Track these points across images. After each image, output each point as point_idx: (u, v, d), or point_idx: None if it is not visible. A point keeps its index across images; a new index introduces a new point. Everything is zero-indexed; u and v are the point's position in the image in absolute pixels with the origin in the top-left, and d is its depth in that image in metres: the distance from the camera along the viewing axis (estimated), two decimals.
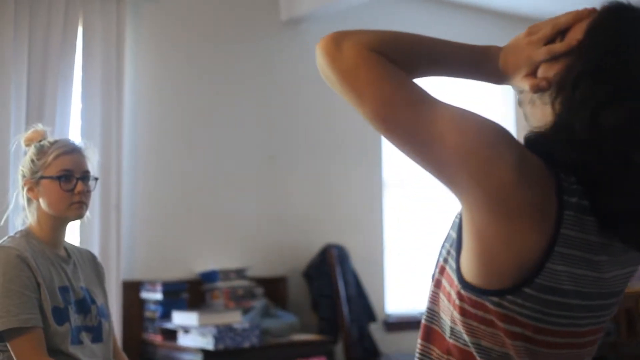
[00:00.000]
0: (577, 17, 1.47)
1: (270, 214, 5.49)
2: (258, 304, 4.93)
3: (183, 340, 4.51)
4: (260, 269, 5.31)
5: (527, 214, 1.34)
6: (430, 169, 1.40)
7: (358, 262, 5.60)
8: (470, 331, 1.42)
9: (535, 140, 1.43)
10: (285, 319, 4.90)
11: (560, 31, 1.48)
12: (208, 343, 4.34)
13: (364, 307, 5.53)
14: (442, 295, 1.48)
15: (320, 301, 5.34)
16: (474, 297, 1.39)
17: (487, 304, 1.38)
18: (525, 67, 1.50)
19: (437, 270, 1.52)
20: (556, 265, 1.36)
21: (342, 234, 5.69)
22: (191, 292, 4.92)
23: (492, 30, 6.73)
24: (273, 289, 5.31)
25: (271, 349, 4.64)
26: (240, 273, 5.08)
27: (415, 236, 6.27)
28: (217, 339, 4.33)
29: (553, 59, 1.46)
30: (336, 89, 1.46)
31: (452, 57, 1.53)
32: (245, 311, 4.85)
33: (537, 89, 1.47)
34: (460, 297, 1.41)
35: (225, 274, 5.00)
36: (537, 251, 1.35)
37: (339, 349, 5.27)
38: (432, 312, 1.51)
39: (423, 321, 1.53)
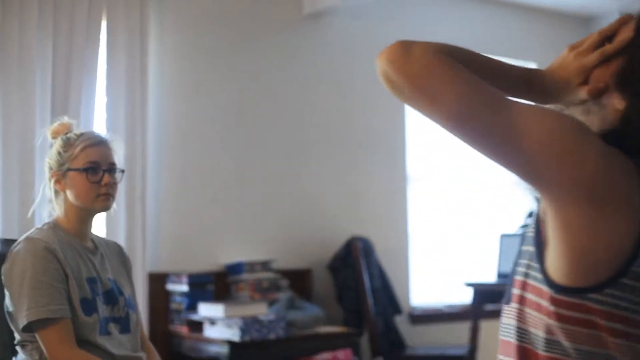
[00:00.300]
0: (621, 21, 1.50)
1: (296, 207, 5.50)
2: (283, 296, 4.94)
3: (209, 331, 4.52)
4: (286, 261, 5.31)
5: (618, 201, 1.35)
6: (514, 166, 1.40)
7: (383, 255, 5.60)
8: (571, 336, 1.40)
9: (608, 136, 1.43)
10: (310, 311, 4.90)
11: (606, 37, 1.51)
12: (234, 334, 4.35)
13: (389, 300, 5.53)
14: (528, 310, 1.47)
15: (345, 294, 5.34)
16: (570, 299, 1.38)
17: (587, 303, 1.37)
18: (577, 77, 1.53)
19: (516, 289, 1.50)
20: None
21: (367, 227, 5.69)
22: (216, 284, 4.93)
23: (522, 24, 6.73)
24: (298, 281, 5.32)
25: (297, 341, 4.64)
26: (265, 265, 5.09)
27: (439, 229, 6.26)
28: (243, 330, 4.34)
29: (606, 60, 1.49)
30: (402, 94, 1.45)
31: (507, 74, 1.57)
32: (271, 303, 4.86)
33: (595, 93, 1.49)
34: (554, 302, 1.40)
35: (251, 266, 5.02)
36: (630, 239, 1.35)
37: (364, 341, 5.27)
38: (521, 330, 1.49)
39: (514, 341, 1.49)
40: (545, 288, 1.41)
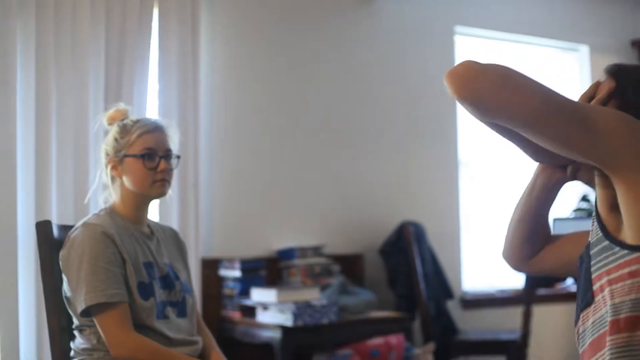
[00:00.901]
0: (596, 85, 1.86)
1: (347, 192, 5.49)
2: (335, 281, 4.94)
3: (262, 316, 4.54)
4: (337, 246, 5.32)
5: None
6: (592, 151, 1.64)
7: (434, 239, 5.58)
8: None
9: None
10: (362, 295, 4.90)
11: (590, 98, 1.84)
12: (287, 319, 4.36)
13: (440, 285, 5.51)
14: (618, 285, 1.63)
15: (396, 278, 5.33)
16: None
17: None
18: None
19: (597, 283, 1.68)
20: None
21: (419, 211, 5.67)
22: (268, 270, 4.96)
23: (574, 6, 6.65)
24: (350, 266, 5.32)
25: (349, 326, 4.64)
26: (317, 250, 5.10)
27: (491, 213, 6.22)
28: (296, 315, 4.35)
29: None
30: (481, 106, 1.63)
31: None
32: (323, 288, 4.86)
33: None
34: None
35: (303, 252, 5.03)
36: None
37: (416, 326, 5.26)
38: (614, 305, 1.63)
39: (626, 315, 1.61)
40: (634, 255, 1.60)
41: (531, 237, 2.07)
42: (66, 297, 2.69)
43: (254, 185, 5.16)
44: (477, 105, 1.61)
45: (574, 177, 1.97)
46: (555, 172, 2.00)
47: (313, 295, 4.60)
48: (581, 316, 1.73)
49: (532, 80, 1.62)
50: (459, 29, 6.16)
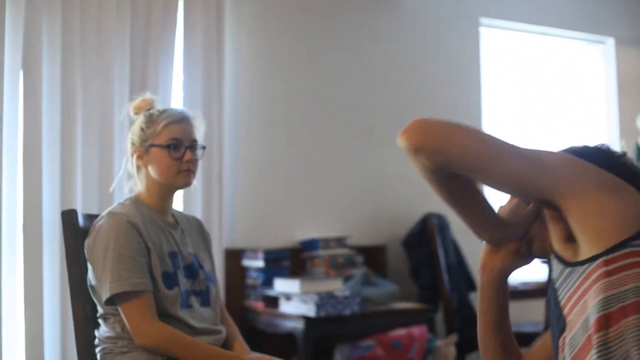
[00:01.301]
0: None
1: (371, 183, 5.49)
2: (358, 272, 4.94)
3: (285, 307, 4.56)
4: (360, 237, 5.32)
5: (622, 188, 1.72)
6: (539, 182, 1.73)
7: (458, 231, 5.56)
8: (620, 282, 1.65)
9: None
10: (385, 287, 4.90)
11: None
12: (310, 310, 4.37)
13: (464, 276, 5.50)
14: (591, 291, 1.66)
15: (419, 270, 5.32)
16: (618, 254, 1.63)
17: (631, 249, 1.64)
18: (525, 222, 2.03)
19: (573, 298, 1.73)
20: None
21: (442, 203, 5.64)
22: (292, 260, 4.97)
23: None
24: (373, 257, 5.33)
25: (372, 317, 4.65)
26: (340, 241, 5.10)
27: None
28: (319, 306, 4.36)
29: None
30: (436, 153, 1.72)
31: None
32: (346, 279, 4.87)
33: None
34: (607, 263, 1.64)
35: (326, 242, 5.03)
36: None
37: (439, 318, 5.26)
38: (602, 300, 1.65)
39: (613, 309, 1.63)
40: (595, 263, 1.65)
41: (504, 347, 2.13)
42: (91, 286, 2.70)
43: (277, 176, 5.17)
44: (432, 151, 1.70)
45: (528, 250, 2.03)
46: (495, 263, 2.05)
47: (336, 286, 4.60)
48: (559, 344, 1.76)
49: (478, 129, 1.74)
50: (484, 20, 6.13)
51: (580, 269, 1.69)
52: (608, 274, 1.62)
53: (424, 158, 1.72)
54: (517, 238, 2.02)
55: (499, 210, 2.05)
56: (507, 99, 6.30)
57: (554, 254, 1.84)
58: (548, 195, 1.73)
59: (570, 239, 1.76)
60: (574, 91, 6.66)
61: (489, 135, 1.74)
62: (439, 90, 5.83)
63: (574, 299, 1.71)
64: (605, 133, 6.73)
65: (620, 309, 1.60)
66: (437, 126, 1.72)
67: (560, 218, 1.76)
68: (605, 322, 1.61)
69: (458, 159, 1.71)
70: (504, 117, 6.24)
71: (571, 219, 1.71)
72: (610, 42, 6.76)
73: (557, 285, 1.79)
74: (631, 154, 5.04)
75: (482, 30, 6.14)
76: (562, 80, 6.60)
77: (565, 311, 1.74)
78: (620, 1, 6.79)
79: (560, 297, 1.76)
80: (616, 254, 1.63)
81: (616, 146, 6.40)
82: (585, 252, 1.68)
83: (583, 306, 1.67)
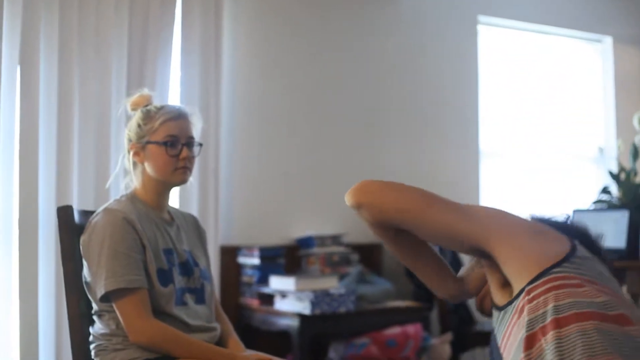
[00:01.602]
0: None
1: None
2: (353, 270, 4.94)
3: (280, 304, 4.55)
4: (356, 235, 5.31)
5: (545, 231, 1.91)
6: (469, 232, 1.89)
7: None
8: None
9: None
10: (380, 285, 4.90)
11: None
12: (305, 308, 4.37)
13: None
14: (523, 314, 1.78)
15: None
16: (539, 282, 1.77)
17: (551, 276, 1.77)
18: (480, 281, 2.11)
19: (507, 332, 1.83)
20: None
21: None
22: (287, 258, 4.96)
23: None
24: (368, 255, 5.33)
25: (367, 315, 4.65)
26: (336, 239, 5.10)
27: (510, 205, 6.19)
28: (314, 303, 4.36)
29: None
30: (374, 205, 2.00)
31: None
32: (341, 277, 4.87)
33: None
34: (528, 293, 1.77)
35: (322, 240, 5.04)
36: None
37: (433, 316, 5.26)
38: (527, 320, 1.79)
39: (535, 329, 1.75)
40: (520, 297, 1.79)
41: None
42: (86, 282, 2.69)
43: (274, 173, 5.17)
44: (369, 205, 1.98)
45: (480, 308, 2.12)
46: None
47: (331, 283, 4.60)
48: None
49: (416, 187, 1.98)
50: (482, 18, 6.13)
51: (511, 308, 1.82)
52: (530, 300, 1.75)
53: (364, 212, 1.99)
54: (473, 295, 2.13)
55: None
56: (504, 97, 6.30)
57: (493, 306, 1.96)
58: (479, 243, 1.88)
59: (506, 284, 1.88)
60: (571, 89, 6.66)
61: (423, 191, 1.96)
62: (438, 87, 5.83)
63: (507, 334, 1.82)
64: (602, 131, 6.73)
65: (541, 328, 1.71)
66: (376, 185, 1.99)
67: (495, 265, 1.89)
68: (528, 342, 1.72)
69: (392, 211, 1.95)
70: (501, 114, 6.24)
71: (501, 262, 1.85)
72: (608, 40, 6.76)
73: (495, 332, 1.91)
74: (628, 153, 5.04)
75: (480, 28, 6.14)
76: (559, 79, 6.61)
77: (501, 350, 1.84)
78: (618, 0, 6.79)
79: (499, 340, 1.87)
80: (538, 282, 1.76)
81: (613, 145, 6.40)
82: (515, 289, 1.81)
83: (514, 336, 1.78)
